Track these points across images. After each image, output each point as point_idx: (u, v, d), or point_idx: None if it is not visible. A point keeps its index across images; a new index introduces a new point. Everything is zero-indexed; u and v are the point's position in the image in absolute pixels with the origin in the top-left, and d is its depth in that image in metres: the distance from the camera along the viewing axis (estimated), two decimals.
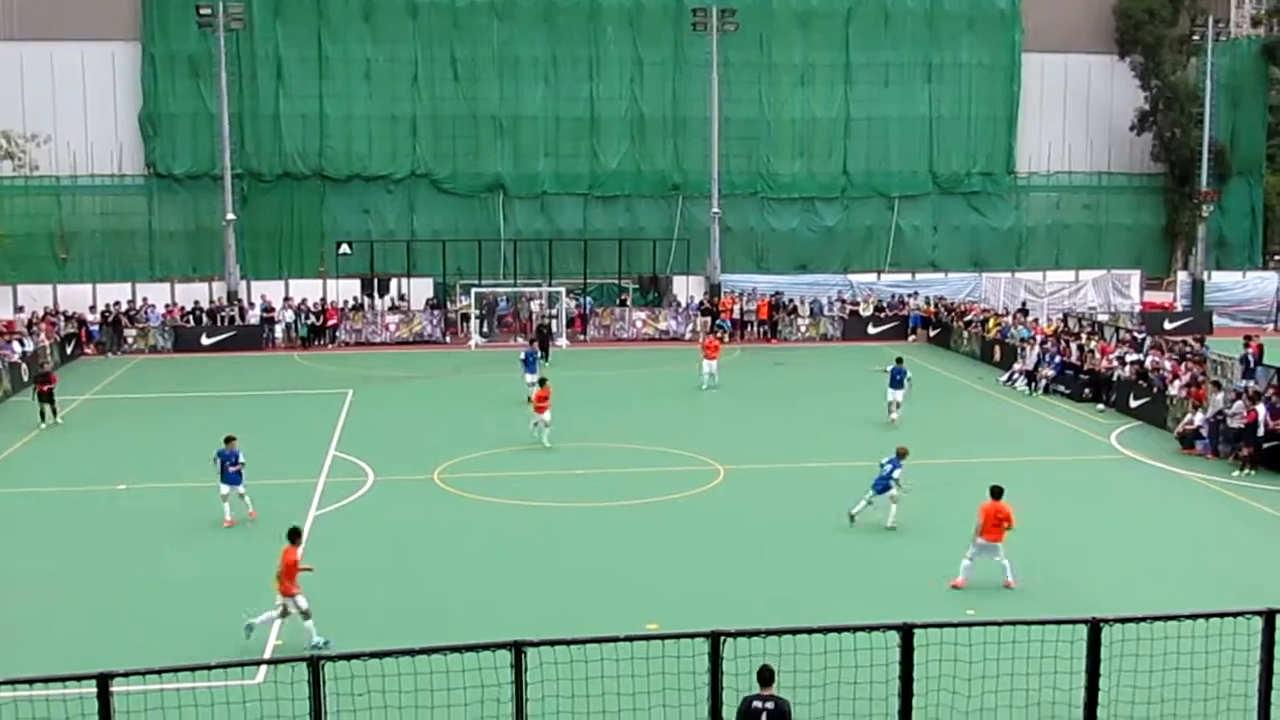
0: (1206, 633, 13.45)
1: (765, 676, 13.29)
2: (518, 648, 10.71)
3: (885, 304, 61.71)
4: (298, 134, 61.10)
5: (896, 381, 37.80)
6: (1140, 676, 12.91)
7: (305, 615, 19.84)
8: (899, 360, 38.50)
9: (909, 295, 62.13)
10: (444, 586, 23.31)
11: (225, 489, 27.01)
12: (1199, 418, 34.87)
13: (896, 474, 26.66)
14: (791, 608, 21.47)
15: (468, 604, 22.10)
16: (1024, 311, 56.94)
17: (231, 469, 27.00)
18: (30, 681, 10.46)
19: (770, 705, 13.08)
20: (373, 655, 10.57)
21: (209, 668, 10.50)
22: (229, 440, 27.26)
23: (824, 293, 62.29)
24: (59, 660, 18.35)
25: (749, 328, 60.09)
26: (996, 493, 23.09)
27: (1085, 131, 67.07)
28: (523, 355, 41.68)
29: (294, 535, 20.80)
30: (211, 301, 58.13)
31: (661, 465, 32.51)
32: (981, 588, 22.58)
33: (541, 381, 35.89)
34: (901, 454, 26.97)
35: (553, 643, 11.25)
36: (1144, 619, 11.59)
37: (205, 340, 55.49)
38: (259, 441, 36.06)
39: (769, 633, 11.13)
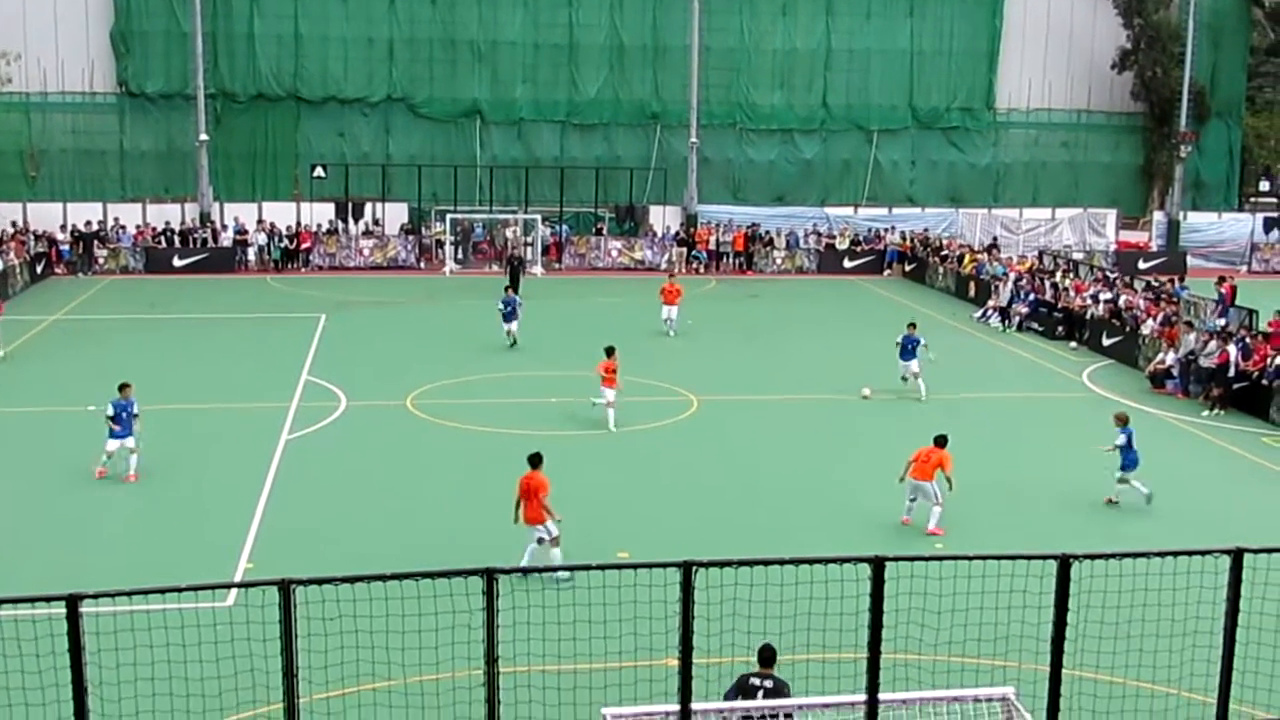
0: (1174, 570, 13.53)
1: (767, 656, 13.30)
2: (489, 574, 10.67)
3: (861, 238, 61.62)
4: (272, 54, 60.31)
5: (909, 351, 33.02)
6: (1108, 612, 12.99)
7: (555, 543, 19.54)
8: (911, 326, 33.83)
9: (885, 230, 62.03)
10: (416, 512, 23.31)
11: (113, 445, 24.68)
12: (1171, 357, 35.03)
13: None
14: (764, 538, 21.56)
15: (440, 530, 22.12)
16: (995, 247, 56.96)
17: (121, 424, 24.52)
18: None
19: (769, 684, 13.11)
20: (344, 580, 10.53)
21: (179, 590, 10.44)
22: (123, 389, 24.90)
23: (800, 225, 62.14)
24: (29, 581, 18.33)
25: (725, 259, 59.97)
26: (940, 441, 22.98)
27: (1066, 69, 66.80)
28: (501, 306, 39.20)
29: (536, 460, 20.30)
30: (184, 223, 57.60)
31: (635, 395, 32.48)
32: (951, 523, 22.69)
33: (609, 351, 29.97)
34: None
35: (524, 570, 11.27)
36: (1113, 556, 11.62)
37: (177, 262, 55.07)
38: (231, 364, 35.99)
39: (741, 563, 11.13)
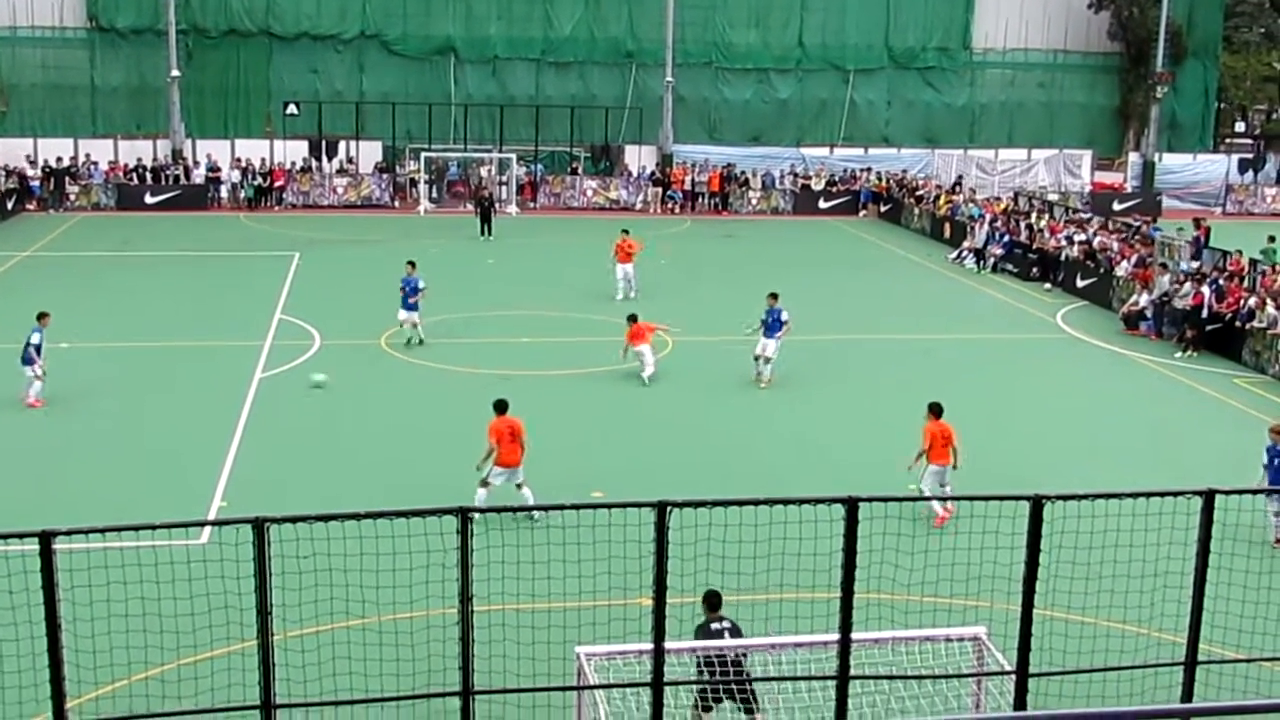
0: (1146, 511, 13.61)
1: (715, 602, 13.48)
2: (464, 513, 10.68)
3: (837, 178, 61.47)
4: None
5: (772, 328, 28.36)
6: (1080, 553, 13.08)
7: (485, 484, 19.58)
8: (773, 297, 28.78)
9: (861, 170, 61.88)
10: (389, 451, 23.29)
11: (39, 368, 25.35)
12: (1144, 299, 35.14)
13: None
14: (739, 479, 21.61)
15: (413, 468, 22.10)
16: (958, 188, 56.95)
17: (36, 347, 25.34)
18: None
19: (728, 624, 13.34)
20: (318, 518, 10.52)
21: (152, 527, 10.41)
22: (41, 318, 25.92)
23: (776, 166, 61.96)
24: (0, 516, 18.24)
25: (700, 199, 59.79)
26: (938, 410, 20.86)
27: (1043, 8, 66.53)
28: (402, 286, 31.56)
29: (505, 405, 20.23)
30: (155, 160, 57.09)
31: (609, 335, 32.41)
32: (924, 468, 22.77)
33: (632, 318, 28.56)
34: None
35: (499, 509, 11.27)
36: (1085, 496, 11.70)
37: (149, 199, 54.62)
38: (204, 302, 35.79)
39: (715, 503, 11.15)
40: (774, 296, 28.59)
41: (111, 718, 11.84)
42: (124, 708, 12.65)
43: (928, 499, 18.91)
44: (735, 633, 13.29)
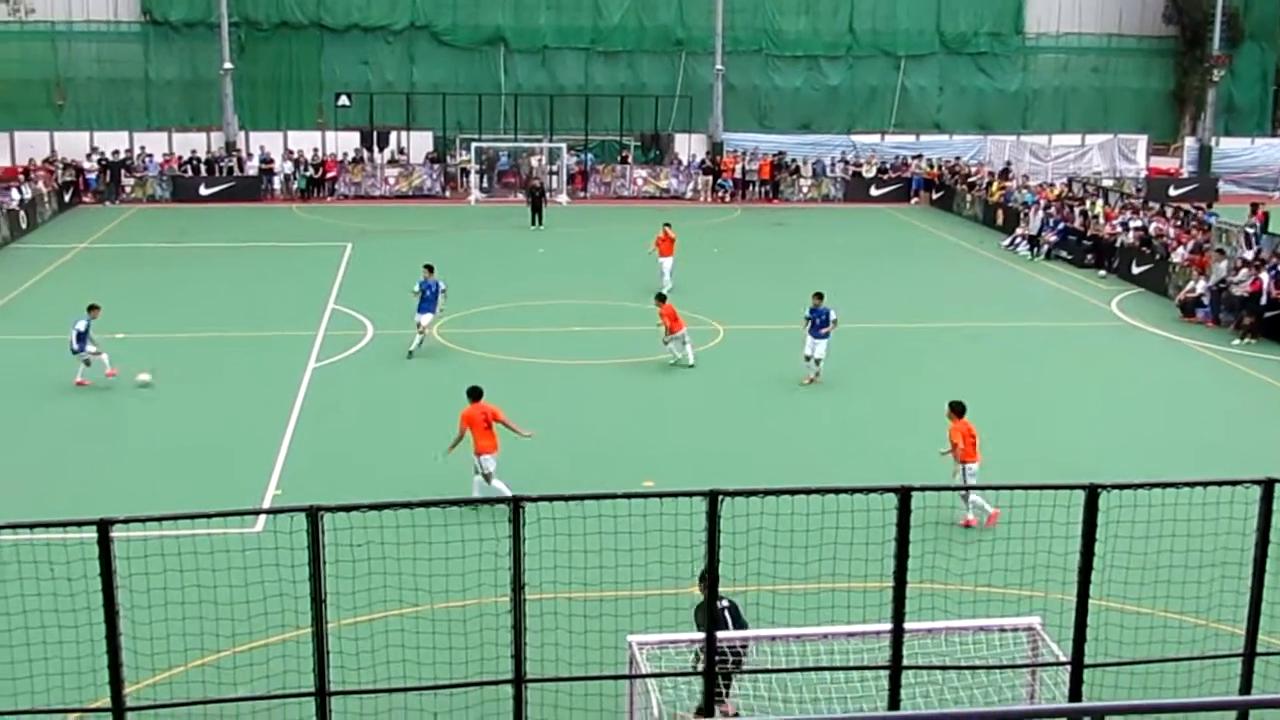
0: (1204, 500, 13.47)
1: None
2: (516, 502, 10.71)
3: (888, 165, 61.12)
4: None
5: (818, 328, 27.24)
6: (1136, 543, 12.96)
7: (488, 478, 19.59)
8: (818, 297, 27.72)
9: (912, 157, 61.48)
10: (442, 441, 23.35)
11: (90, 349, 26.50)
12: (1201, 285, 34.75)
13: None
14: (789, 468, 21.55)
15: (466, 458, 22.16)
16: (1008, 173, 56.53)
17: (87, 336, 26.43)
18: (31, 526, 10.47)
19: (727, 603, 13.27)
20: (371, 507, 10.57)
21: (208, 516, 10.52)
22: (91, 309, 26.78)
23: (827, 153, 61.65)
24: (60, 505, 18.47)
25: (751, 187, 59.59)
26: (961, 409, 19.88)
27: None
28: (417, 289, 29.82)
29: (478, 393, 20.32)
30: (209, 152, 57.53)
31: (660, 323, 32.42)
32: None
33: (660, 298, 28.98)
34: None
35: (550, 498, 11.25)
36: (1141, 485, 11.59)
37: (203, 190, 55.04)
38: (258, 293, 36.07)
39: (767, 492, 11.12)
40: (819, 296, 27.49)
41: (169, 703, 11.96)
42: (181, 693, 12.79)
43: (977, 488, 18.63)
44: (734, 610, 13.27)
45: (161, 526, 10.53)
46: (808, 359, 27.27)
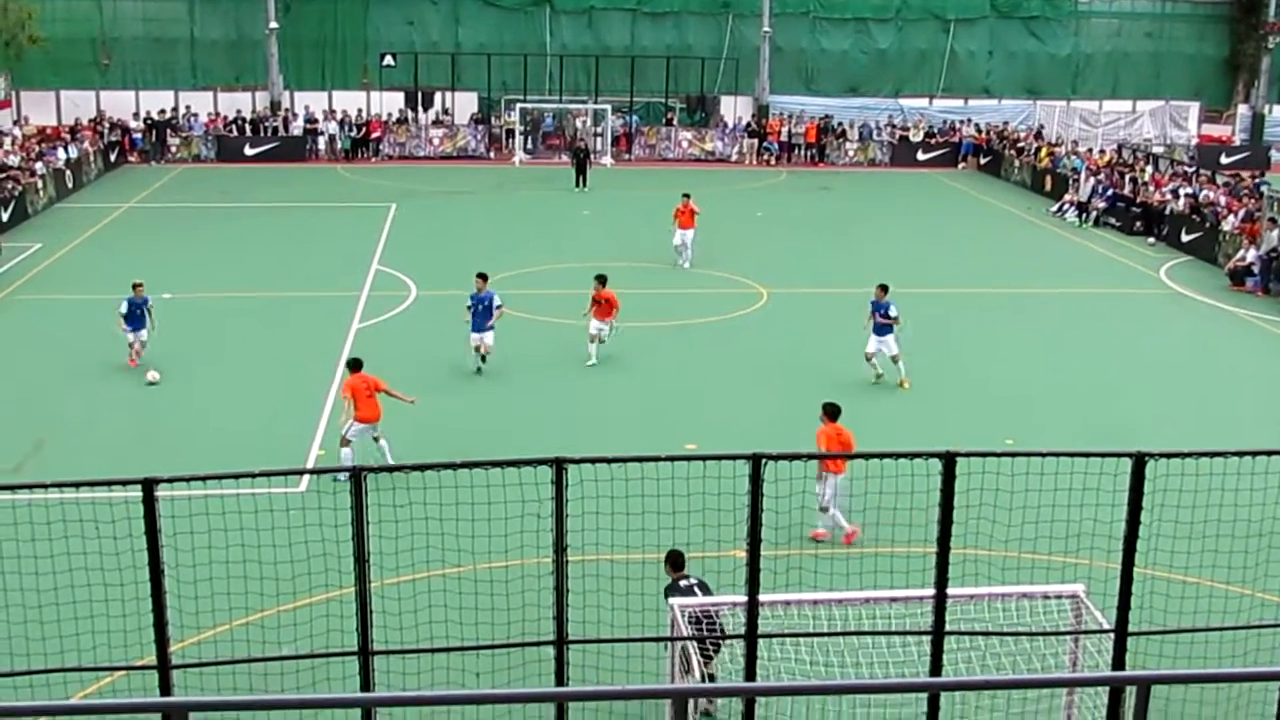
0: (1252, 470, 13.33)
1: (679, 562, 13.56)
2: (559, 464, 10.69)
3: (936, 130, 60.61)
4: None
5: (881, 325, 24.68)
6: (1182, 511, 12.84)
7: (345, 442, 19.56)
8: (882, 290, 25.02)
9: (961, 122, 60.92)
10: (485, 402, 23.41)
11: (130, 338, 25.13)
12: (1251, 254, 34.34)
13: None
14: None
15: (509, 419, 22.21)
16: (1038, 136, 55.97)
17: (139, 315, 25.10)
18: (77, 485, 10.54)
19: (694, 581, 13.42)
20: (414, 468, 10.59)
21: (251, 475, 10.54)
22: (136, 288, 25.29)
23: (874, 117, 61.22)
24: (105, 464, 18.63)
25: (796, 151, 59.26)
26: (834, 412, 17.82)
27: None
28: (469, 304, 25.53)
29: (358, 364, 20.27)
30: (254, 112, 57.69)
31: (704, 287, 32.35)
32: (1024, 420, 22.51)
33: (601, 280, 26.21)
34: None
35: (593, 460, 11.23)
36: (1189, 454, 11.45)
37: (248, 150, 55.25)
38: (302, 253, 36.20)
39: (810, 457, 11.09)
40: (883, 289, 24.90)
41: (213, 661, 12.05)
42: (225, 652, 12.90)
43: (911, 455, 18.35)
44: (704, 588, 13.32)
45: (205, 486, 10.56)
46: (869, 358, 24.74)
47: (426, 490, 12.25)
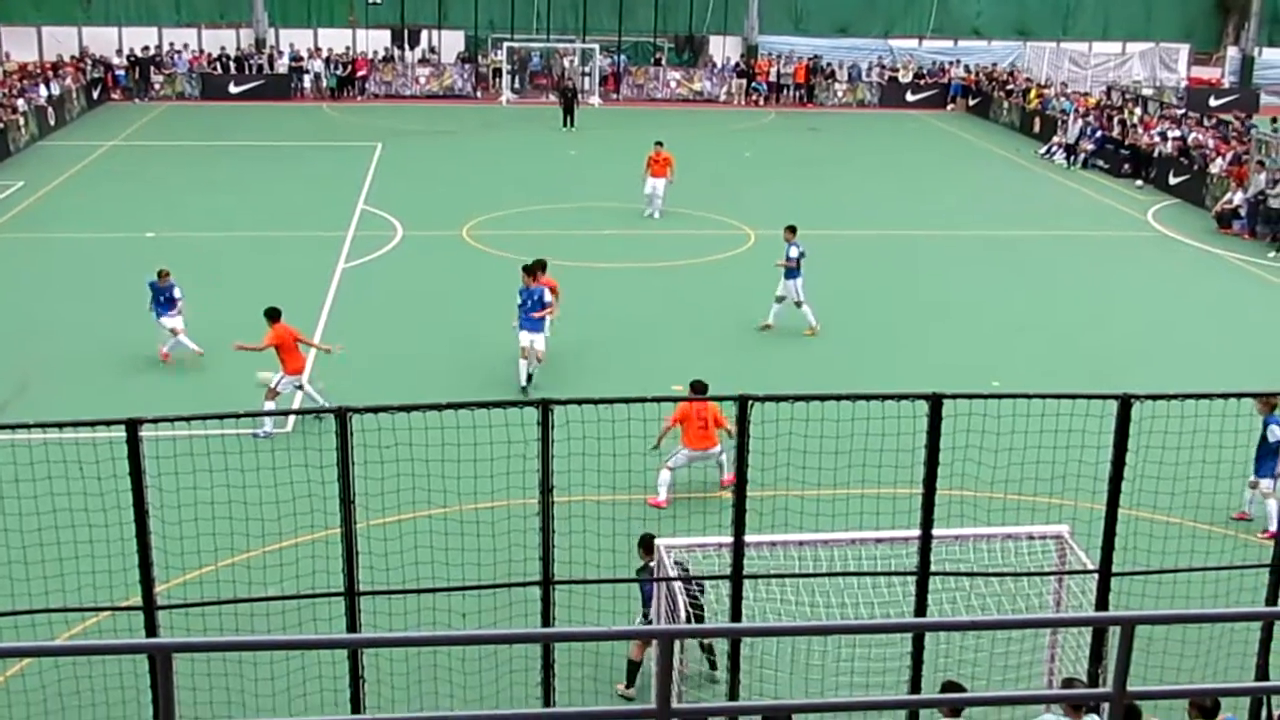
0: (1237, 412, 13.38)
1: (649, 545, 12.99)
2: (545, 405, 10.67)
3: (925, 71, 60.29)
4: None
5: (790, 269, 24.22)
6: (1167, 453, 12.87)
7: (271, 395, 19.42)
8: (790, 231, 24.55)
9: (950, 63, 60.60)
10: (471, 342, 23.36)
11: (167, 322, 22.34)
12: (1239, 197, 34.28)
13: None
14: (819, 374, 21.47)
15: (495, 360, 22.15)
16: (1011, 78, 55.85)
17: (164, 302, 22.35)
18: (60, 425, 10.49)
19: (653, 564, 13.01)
20: (400, 408, 10.54)
21: (236, 416, 10.54)
22: (162, 275, 22.45)
23: (863, 58, 60.81)
24: (89, 405, 18.56)
25: (785, 91, 58.92)
26: (701, 388, 16.56)
27: None
28: (520, 299, 21.31)
29: (275, 314, 20.00)
30: (239, 49, 57.15)
31: (691, 228, 32.25)
32: (1009, 361, 22.54)
33: (540, 266, 21.63)
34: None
35: (580, 401, 11.20)
36: (1174, 397, 11.45)
37: (233, 89, 54.75)
38: (287, 192, 35.98)
39: (796, 398, 11.06)
40: (791, 230, 24.42)
41: (199, 602, 12.06)
42: (211, 593, 12.91)
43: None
44: (682, 566, 12.86)
45: (190, 426, 10.53)
46: (780, 300, 24.37)
47: (412, 431, 12.24)
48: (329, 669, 11.76)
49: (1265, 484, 16.52)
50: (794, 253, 24.00)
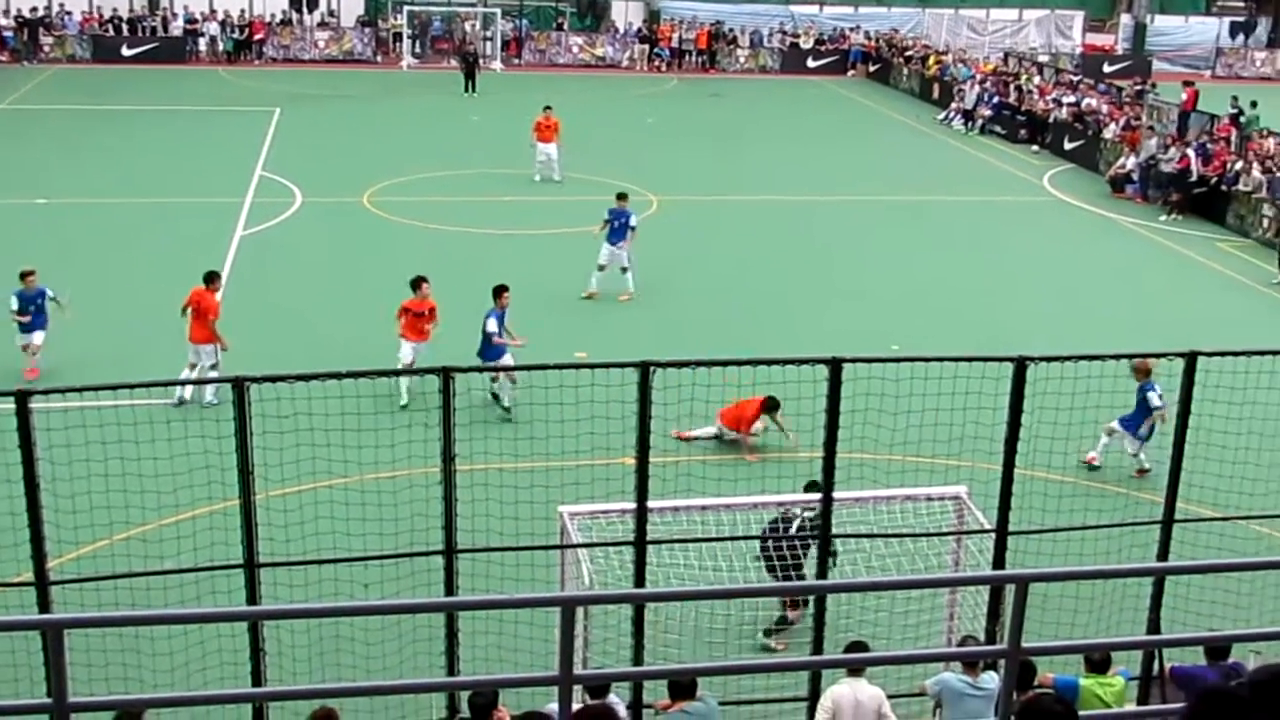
0: (1129, 373, 13.62)
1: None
2: (446, 372, 10.59)
3: (826, 37, 60.54)
4: None
5: (617, 231, 24.35)
6: (1061, 414, 13.09)
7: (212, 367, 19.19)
8: (621, 198, 24.96)
9: (850, 29, 60.89)
10: (373, 310, 23.13)
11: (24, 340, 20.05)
12: (1131, 162, 34.89)
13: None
14: (723, 340, 21.54)
15: (394, 327, 21.96)
16: (889, 45, 56.48)
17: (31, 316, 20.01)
18: None
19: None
20: (298, 378, 10.42)
21: (130, 386, 10.33)
22: (26, 277, 20.20)
23: (765, 24, 60.90)
24: None
25: (687, 57, 58.88)
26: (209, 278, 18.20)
27: None
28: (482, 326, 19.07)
29: (210, 278, 19.67)
30: (132, 10, 55.91)
31: (593, 194, 32.10)
32: (908, 325, 22.78)
33: (415, 284, 20.07)
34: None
35: (479, 369, 11.18)
36: (1068, 358, 11.64)
37: (126, 51, 53.56)
38: (183, 158, 35.34)
39: (698, 364, 11.09)
40: (622, 197, 24.84)
41: (94, 576, 11.85)
42: (106, 567, 12.69)
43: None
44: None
45: (83, 398, 10.32)
46: (601, 268, 24.39)
47: (312, 400, 12.11)
48: (229, 642, 11.62)
49: (1130, 444, 17.07)
50: (634, 221, 24.65)
